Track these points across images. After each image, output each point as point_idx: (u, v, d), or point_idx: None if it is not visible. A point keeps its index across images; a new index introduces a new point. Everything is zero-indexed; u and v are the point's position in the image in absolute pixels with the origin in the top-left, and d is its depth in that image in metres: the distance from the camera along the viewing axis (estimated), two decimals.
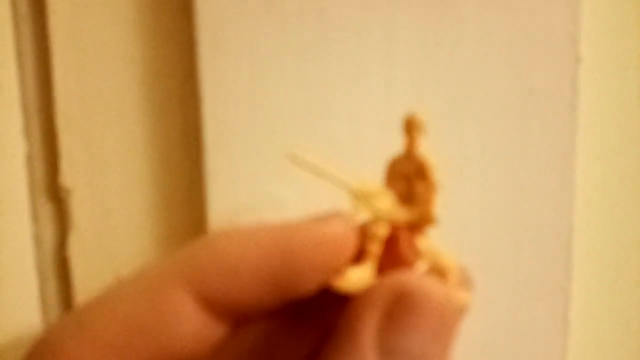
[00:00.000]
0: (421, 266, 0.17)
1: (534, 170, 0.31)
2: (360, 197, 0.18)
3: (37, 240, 0.32)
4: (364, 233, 0.17)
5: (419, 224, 0.18)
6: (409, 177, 0.18)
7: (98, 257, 0.32)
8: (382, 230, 0.17)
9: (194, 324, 0.15)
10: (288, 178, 0.30)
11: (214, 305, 0.15)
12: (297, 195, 0.30)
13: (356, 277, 0.16)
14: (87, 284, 0.32)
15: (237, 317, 0.16)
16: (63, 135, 0.31)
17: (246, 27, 0.29)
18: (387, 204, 0.18)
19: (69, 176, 0.31)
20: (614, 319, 0.34)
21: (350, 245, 0.17)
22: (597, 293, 0.34)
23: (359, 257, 0.17)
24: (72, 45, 0.30)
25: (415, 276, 0.16)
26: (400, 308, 0.15)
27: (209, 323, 0.16)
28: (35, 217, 0.32)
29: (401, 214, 0.18)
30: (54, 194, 0.32)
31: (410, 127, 0.18)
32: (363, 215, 0.17)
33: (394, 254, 0.18)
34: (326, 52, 0.29)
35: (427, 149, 0.18)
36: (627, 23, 0.31)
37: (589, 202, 0.33)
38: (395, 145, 0.31)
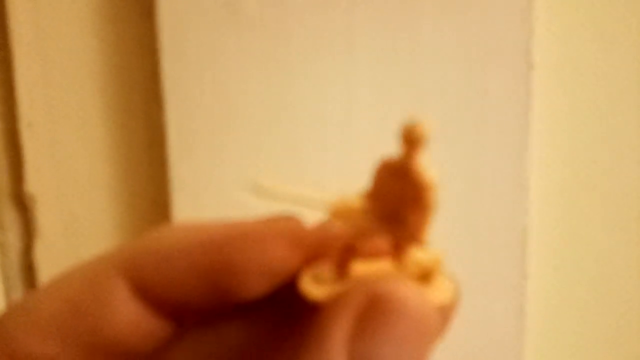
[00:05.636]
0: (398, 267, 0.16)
1: (489, 171, 0.32)
2: (339, 214, 0.16)
3: (3, 247, 0.32)
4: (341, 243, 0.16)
5: (402, 244, 0.16)
6: (401, 195, 0.15)
7: (64, 264, 0.32)
8: (361, 244, 0.16)
9: (130, 312, 0.15)
10: (253, 184, 0.30)
11: (149, 296, 0.15)
12: (263, 201, 0.30)
13: (324, 284, 0.15)
14: None
15: (177, 314, 0.16)
16: (27, 143, 0.31)
17: (209, 34, 0.29)
18: (366, 219, 0.16)
19: (34, 183, 0.31)
20: (570, 314, 0.35)
21: (301, 247, 0.16)
22: (553, 290, 0.35)
23: (328, 259, 0.16)
24: (35, 52, 0.30)
25: (391, 280, 0.15)
26: (373, 314, 0.14)
27: (147, 316, 0.15)
28: (0, 224, 0.32)
29: (383, 229, 0.16)
30: (19, 201, 0.32)
31: (410, 140, 0.15)
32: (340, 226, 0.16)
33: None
34: (288, 59, 0.30)
35: (426, 164, 0.15)
36: (578, 32, 0.32)
37: (543, 201, 0.34)
38: (358, 150, 0.31)
